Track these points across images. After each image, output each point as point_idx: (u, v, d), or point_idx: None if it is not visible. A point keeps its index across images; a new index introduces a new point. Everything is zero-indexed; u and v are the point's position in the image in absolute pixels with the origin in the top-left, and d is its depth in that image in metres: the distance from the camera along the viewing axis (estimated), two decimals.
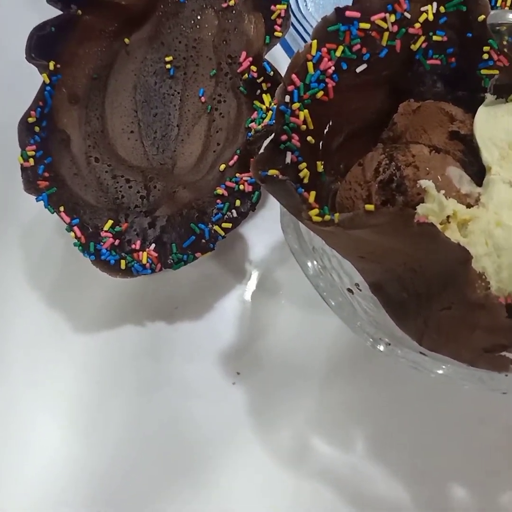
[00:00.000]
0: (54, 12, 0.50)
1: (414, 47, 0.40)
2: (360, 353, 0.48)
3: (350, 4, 0.39)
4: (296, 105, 0.37)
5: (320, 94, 0.38)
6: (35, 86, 0.49)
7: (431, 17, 0.39)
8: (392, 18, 0.39)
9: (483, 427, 0.46)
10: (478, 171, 0.38)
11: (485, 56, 0.39)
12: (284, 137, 0.37)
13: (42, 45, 0.49)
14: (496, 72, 0.39)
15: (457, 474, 0.46)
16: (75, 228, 0.47)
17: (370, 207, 0.34)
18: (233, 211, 0.47)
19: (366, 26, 0.38)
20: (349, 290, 0.42)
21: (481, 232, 0.35)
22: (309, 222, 0.34)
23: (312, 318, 0.50)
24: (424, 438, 0.47)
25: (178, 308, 0.51)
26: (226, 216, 0.47)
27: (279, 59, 0.53)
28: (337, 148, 0.40)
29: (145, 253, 0.47)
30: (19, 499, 0.47)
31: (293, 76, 0.37)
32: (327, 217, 0.33)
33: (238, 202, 0.46)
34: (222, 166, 0.48)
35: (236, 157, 0.48)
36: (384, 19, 0.39)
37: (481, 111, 0.39)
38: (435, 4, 0.39)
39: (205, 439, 0.48)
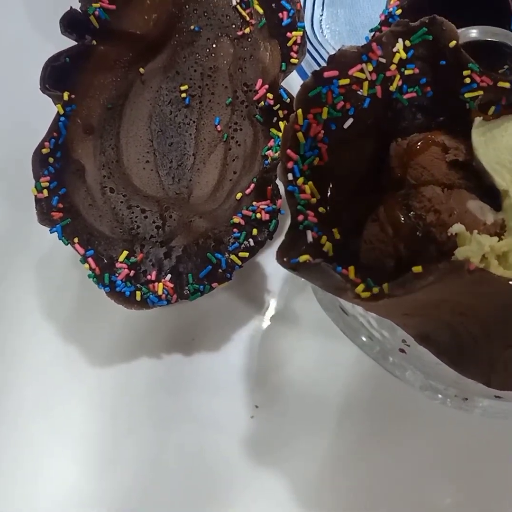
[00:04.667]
0: (69, 42, 0.50)
1: (392, 87, 0.39)
2: (379, 385, 0.47)
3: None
4: (300, 181, 0.36)
5: (316, 160, 0.37)
6: (50, 117, 0.49)
7: (404, 56, 0.39)
8: (370, 67, 0.38)
9: None
10: (484, 194, 0.37)
11: (467, 80, 0.39)
12: (301, 218, 0.35)
13: (57, 75, 0.49)
14: (481, 93, 0.39)
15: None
16: (90, 259, 0.47)
17: (417, 269, 0.31)
18: (250, 240, 0.46)
19: (346, 81, 0.38)
20: (401, 350, 0.41)
21: None
22: (356, 299, 0.32)
23: (330, 349, 0.49)
24: (451, 469, 0.46)
25: (194, 339, 0.51)
26: (243, 245, 0.46)
27: (295, 86, 0.52)
28: (342, 208, 0.39)
29: (160, 284, 0.46)
30: None
31: (288, 151, 0.36)
32: (375, 289, 0.31)
33: (255, 231, 0.46)
34: (239, 195, 0.48)
35: (253, 185, 0.47)
36: (362, 70, 0.38)
37: (476, 135, 0.38)
38: (400, 40, 0.39)
39: (224, 475, 0.47)
